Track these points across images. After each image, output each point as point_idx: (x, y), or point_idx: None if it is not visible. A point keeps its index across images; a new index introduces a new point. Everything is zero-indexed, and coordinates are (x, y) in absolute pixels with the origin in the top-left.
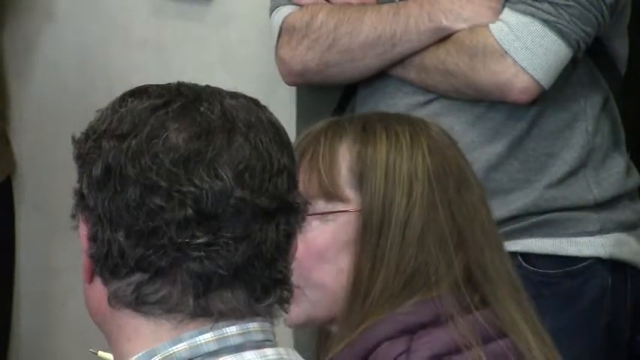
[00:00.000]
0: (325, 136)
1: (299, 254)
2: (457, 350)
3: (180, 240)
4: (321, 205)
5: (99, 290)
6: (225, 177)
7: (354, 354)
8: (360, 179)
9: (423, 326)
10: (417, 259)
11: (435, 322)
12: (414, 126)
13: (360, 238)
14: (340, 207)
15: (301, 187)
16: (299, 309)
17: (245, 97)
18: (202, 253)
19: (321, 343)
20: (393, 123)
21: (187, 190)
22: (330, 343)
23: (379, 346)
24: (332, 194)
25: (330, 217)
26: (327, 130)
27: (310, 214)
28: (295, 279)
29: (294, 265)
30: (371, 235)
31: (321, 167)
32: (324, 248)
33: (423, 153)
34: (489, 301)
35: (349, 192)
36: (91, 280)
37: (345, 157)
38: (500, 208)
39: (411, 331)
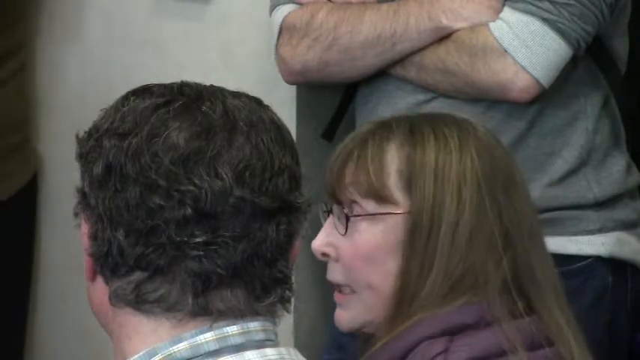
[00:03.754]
0: (373, 137)
1: (348, 256)
2: (497, 354)
3: (179, 239)
4: (370, 207)
5: (101, 289)
6: (225, 176)
7: (394, 351)
8: (409, 182)
9: (465, 328)
10: (465, 262)
11: (477, 325)
12: (461, 128)
13: (409, 241)
14: (390, 209)
15: (349, 188)
16: (353, 313)
17: (248, 96)
18: (201, 252)
19: (361, 345)
20: (441, 125)
21: (186, 189)
22: (372, 344)
23: (419, 345)
24: (382, 196)
25: (380, 218)
26: (374, 131)
27: (359, 215)
28: (348, 282)
29: (344, 268)
30: (420, 237)
31: (370, 169)
32: (372, 250)
33: (472, 156)
34: (536, 306)
35: (398, 194)
36: (93, 278)
37: (393, 159)
38: None
39: (452, 332)
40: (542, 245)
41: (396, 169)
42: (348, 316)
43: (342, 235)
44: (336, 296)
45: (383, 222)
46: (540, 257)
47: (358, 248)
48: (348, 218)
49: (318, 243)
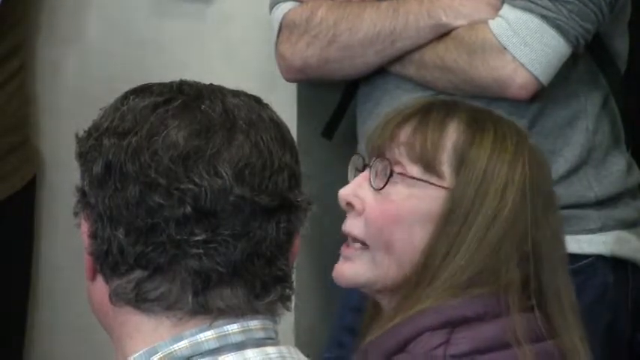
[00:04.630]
0: (438, 110)
1: (376, 212)
2: (498, 347)
3: (179, 237)
4: (415, 172)
5: (101, 288)
6: (224, 174)
7: (396, 339)
8: (461, 163)
9: (467, 321)
10: (490, 259)
11: (480, 318)
12: (519, 134)
13: (444, 218)
14: (435, 180)
15: (400, 147)
16: (359, 266)
17: (247, 95)
18: (201, 251)
19: (369, 315)
20: (503, 124)
21: (186, 187)
22: (382, 317)
23: (420, 335)
24: (431, 166)
25: (421, 185)
26: (440, 105)
27: (405, 175)
28: (366, 238)
29: (368, 223)
30: (456, 219)
31: (428, 136)
32: (403, 212)
33: (524, 162)
34: (557, 325)
35: (447, 170)
36: (93, 278)
37: (452, 136)
38: None
39: (454, 324)
40: (568, 276)
41: (452, 146)
42: (352, 268)
43: (378, 189)
44: (345, 249)
45: (423, 190)
46: (566, 284)
47: (391, 207)
48: (392, 174)
49: (347, 192)
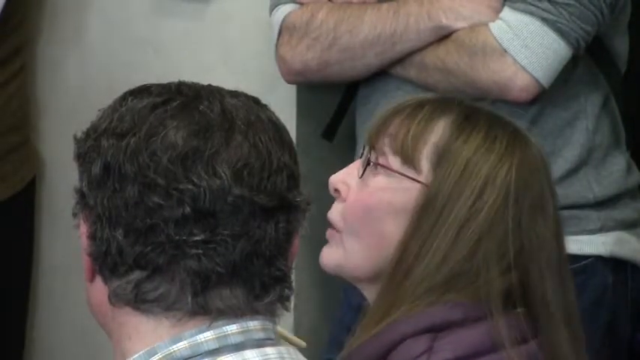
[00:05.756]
0: (431, 105)
1: (352, 199)
2: (482, 352)
3: (178, 237)
4: (395, 164)
5: (100, 289)
6: (223, 175)
7: (378, 347)
8: (440, 158)
9: (449, 326)
10: (465, 262)
11: (461, 324)
12: (515, 136)
13: (417, 215)
14: (412, 174)
15: (385, 138)
16: (333, 252)
17: (245, 95)
18: (200, 251)
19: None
20: (497, 126)
21: (185, 187)
22: (363, 319)
23: (402, 343)
24: (409, 159)
25: (398, 177)
26: (434, 101)
27: (379, 165)
28: (339, 221)
29: (345, 209)
30: (429, 216)
31: (411, 129)
32: (373, 202)
33: (511, 165)
34: (542, 326)
35: (425, 164)
36: (92, 278)
37: (437, 131)
38: None
39: (436, 330)
40: (563, 281)
41: (434, 141)
42: (327, 252)
43: (359, 177)
44: (328, 232)
45: (399, 182)
46: (557, 289)
47: (364, 195)
48: (368, 163)
49: (336, 178)
